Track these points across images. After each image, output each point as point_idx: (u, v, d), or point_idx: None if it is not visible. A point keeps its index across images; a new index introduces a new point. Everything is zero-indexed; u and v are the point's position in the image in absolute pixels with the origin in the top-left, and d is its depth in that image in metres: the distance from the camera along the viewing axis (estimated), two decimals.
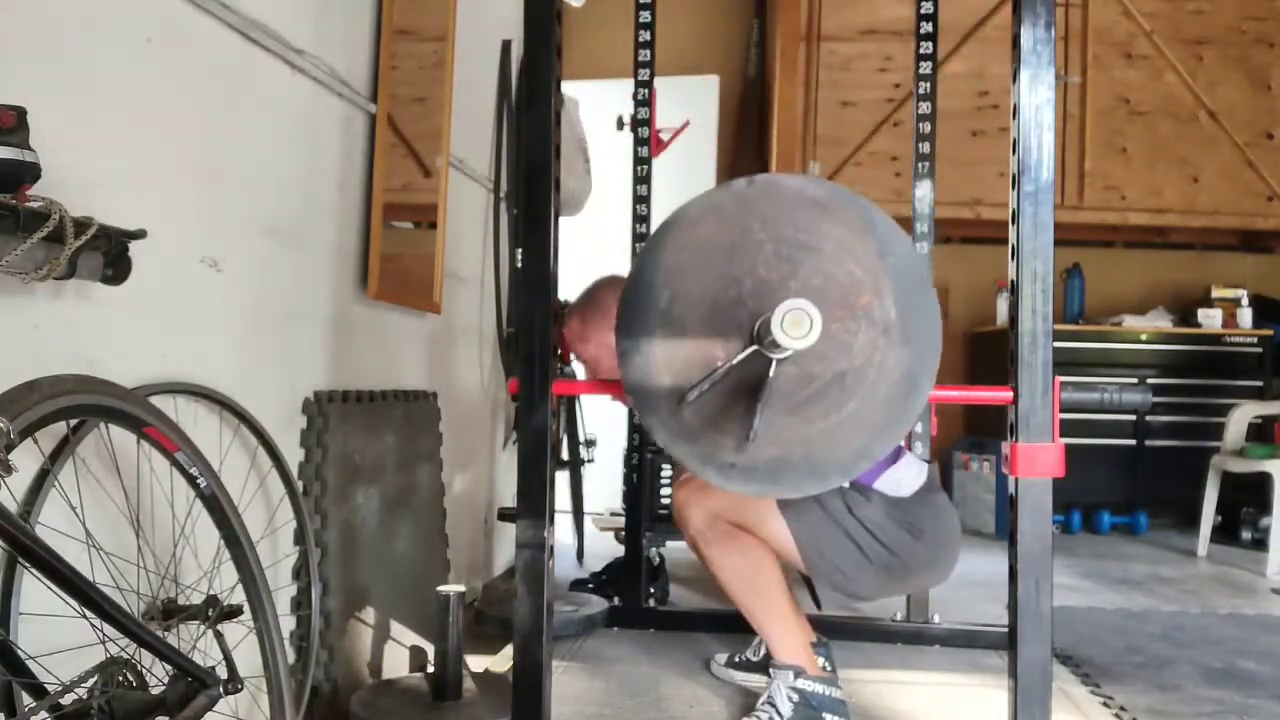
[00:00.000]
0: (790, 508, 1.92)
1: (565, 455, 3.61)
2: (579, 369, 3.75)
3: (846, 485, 1.94)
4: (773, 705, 1.91)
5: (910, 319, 1.27)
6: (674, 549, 3.70)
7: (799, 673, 1.92)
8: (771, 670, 1.97)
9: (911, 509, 1.96)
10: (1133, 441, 4.82)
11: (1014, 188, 1.38)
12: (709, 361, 1.27)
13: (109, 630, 1.13)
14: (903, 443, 2.06)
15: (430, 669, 2.05)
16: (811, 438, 1.28)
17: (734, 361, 1.23)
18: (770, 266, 1.26)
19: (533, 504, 1.47)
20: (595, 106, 3.80)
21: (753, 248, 1.28)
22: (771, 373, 1.21)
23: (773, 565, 1.97)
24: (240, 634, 1.44)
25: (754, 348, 1.23)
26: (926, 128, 2.62)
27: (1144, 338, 4.89)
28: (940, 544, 1.99)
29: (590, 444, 3.87)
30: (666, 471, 3.76)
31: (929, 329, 1.28)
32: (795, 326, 1.09)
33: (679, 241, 1.32)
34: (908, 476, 1.99)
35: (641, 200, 2.77)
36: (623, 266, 2.81)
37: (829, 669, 2.05)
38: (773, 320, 1.09)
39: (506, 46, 3.41)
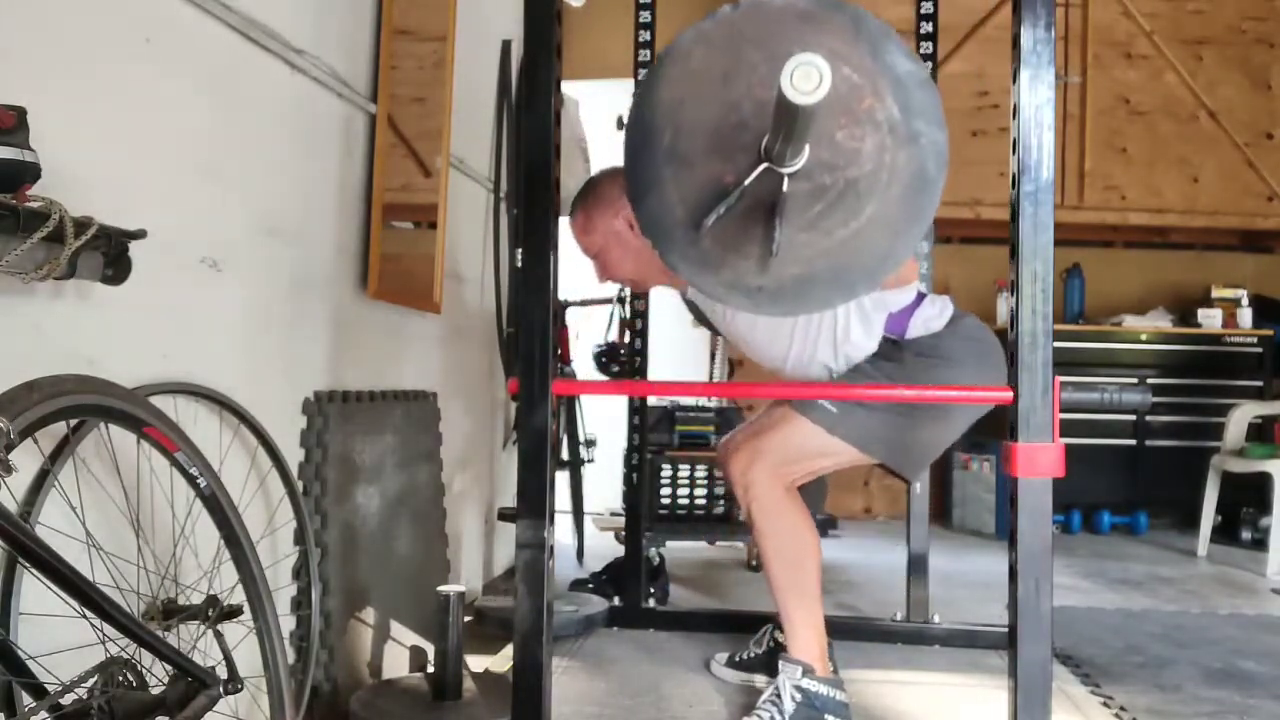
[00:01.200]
0: (834, 422, 1.91)
1: (565, 455, 3.61)
2: (579, 369, 3.77)
3: (875, 359, 1.97)
4: (776, 703, 1.91)
5: (913, 116, 1.27)
6: (674, 549, 3.70)
7: (807, 670, 1.92)
8: (780, 661, 1.96)
9: (944, 341, 1.97)
10: (1133, 441, 4.83)
11: (1014, 188, 1.38)
12: (721, 188, 1.26)
13: (109, 630, 1.13)
14: (922, 288, 2.07)
15: (430, 669, 2.06)
16: (833, 249, 1.28)
17: (747, 182, 1.23)
18: (766, 86, 1.25)
19: (533, 504, 1.47)
20: (595, 106, 3.80)
21: (747, 70, 1.28)
22: (785, 187, 1.21)
23: (817, 557, 1.97)
24: (240, 634, 1.44)
25: (764, 165, 1.22)
26: None
27: (1144, 338, 4.89)
28: (980, 361, 1.98)
29: (590, 444, 3.87)
30: (666, 471, 3.77)
31: (933, 122, 1.27)
32: (805, 80, 1.06)
33: (672, 77, 1.32)
34: (933, 312, 2.01)
35: None
36: None
37: (833, 670, 2.04)
38: (781, 80, 1.07)
39: (506, 46, 3.41)
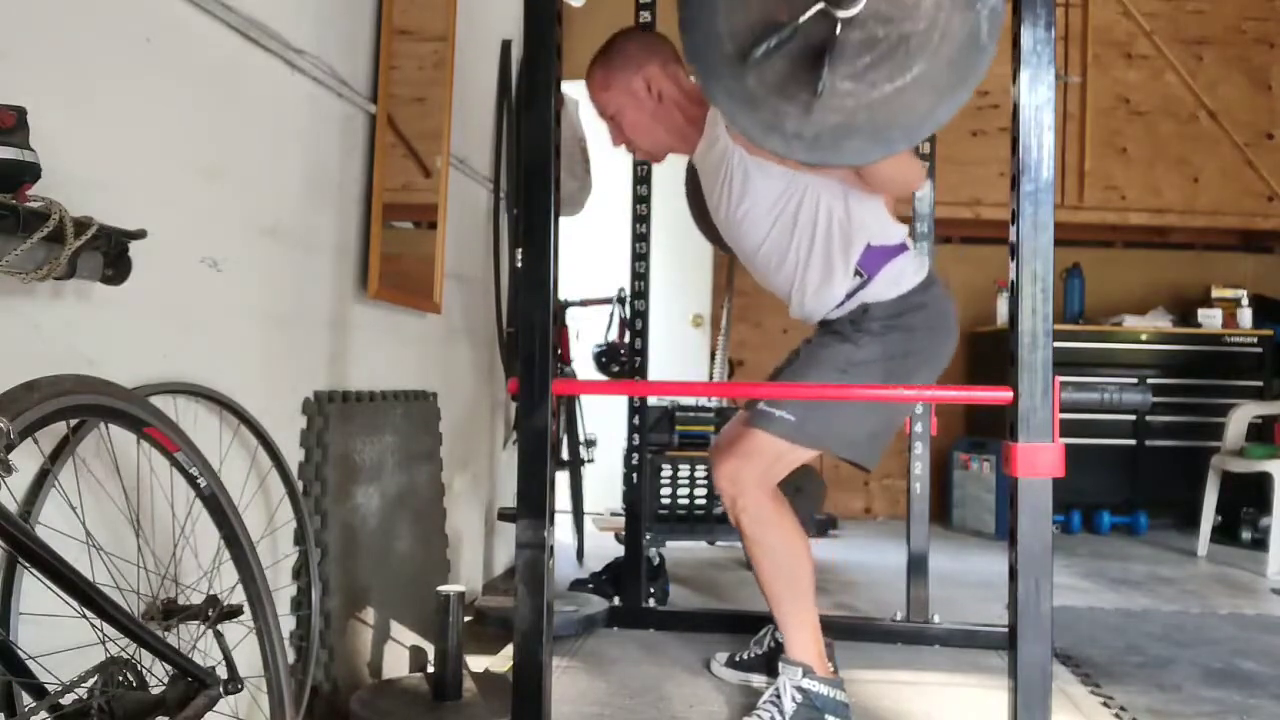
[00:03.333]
0: (794, 430, 1.92)
1: (565, 455, 3.61)
2: (579, 369, 3.77)
3: (836, 331, 1.97)
4: (776, 703, 1.91)
5: None
6: (674, 549, 3.71)
7: (807, 671, 1.92)
8: (780, 664, 1.96)
9: (904, 309, 1.97)
10: (1133, 441, 4.83)
11: (1014, 188, 1.38)
12: (773, 25, 1.26)
13: (109, 630, 1.13)
14: (909, 244, 2.06)
15: (430, 669, 2.05)
16: (876, 103, 1.28)
17: (802, 19, 1.23)
18: None
19: (533, 504, 1.47)
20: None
21: None
22: (838, 32, 1.21)
23: (808, 560, 1.98)
24: (240, 634, 1.44)
25: (821, 5, 1.22)
26: None
27: (1144, 338, 4.89)
28: (933, 330, 1.99)
29: (590, 444, 3.87)
30: (666, 471, 3.77)
31: None
32: None
33: None
34: (910, 268, 2.00)
35: (641, 200, 2.77)
36: (623, 266, 2.83)
37: (833, 670, 2.04)
38: None
39: (506, 46, 3.41)
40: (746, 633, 2.30)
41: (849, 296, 1.99)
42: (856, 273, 1.97)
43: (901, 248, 2.01)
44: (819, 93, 1.23)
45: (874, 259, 1.97)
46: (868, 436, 1.99)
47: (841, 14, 1.21)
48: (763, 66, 1.27)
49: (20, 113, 1.16)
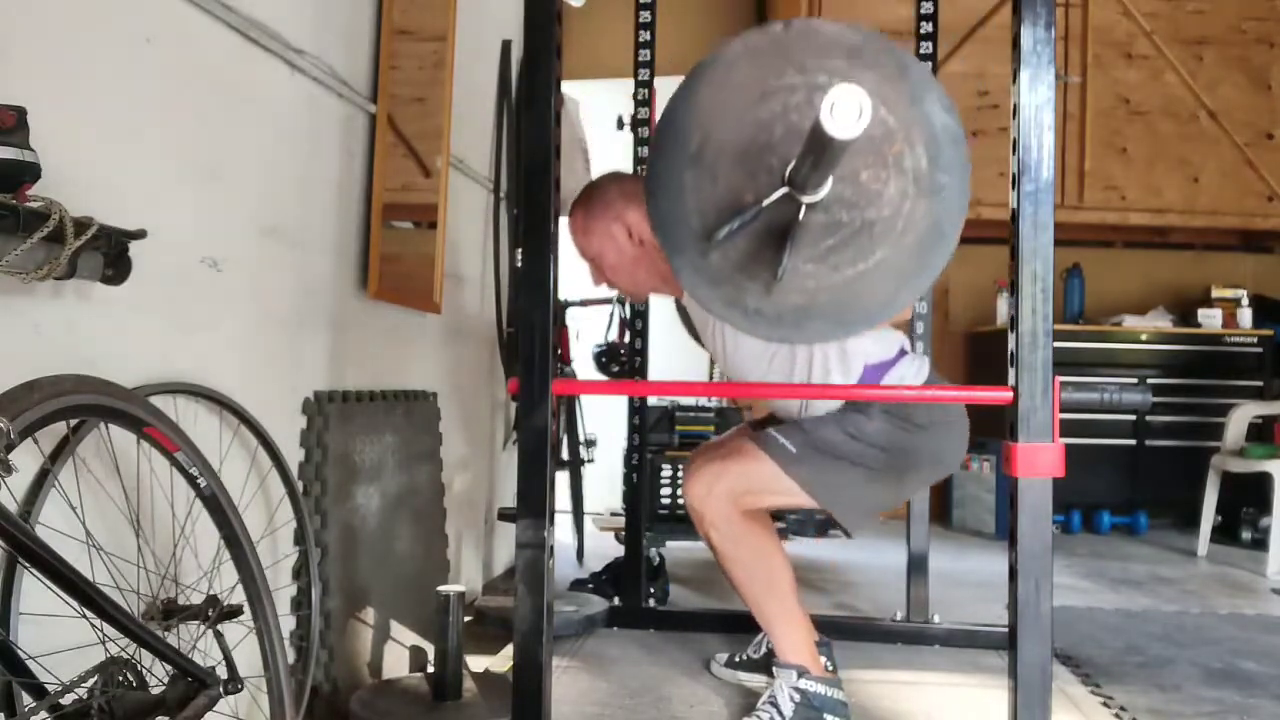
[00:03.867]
0: (790, 460, 1.91)
1: (565, 455, 3.61)
2: (579, 370, 3.77)
3: (845, 410, 1.96)
4: (774, 705, 1.91)
5: (940, 169, 1.27)
6: (674, 549, 3.70)
7: (802, 672, 1.92)
8: (775, 669, 1.97)
9: (914, 407, 1.95)
10: (1133, 441, 4.83)
11: (1014, 188, 1.38)
12: (739, 205, 1.26)
13: (109, 630, 1.13)
14: (905, 343, 2.06)
15: (430, 669, 2.06)
16: (838, 285, 1.28)
17: (766, 203, 1.22)
18: (803, 112, 1.25)
19: (533, 504, 1.47)
20: (595, 106, 3.80)
21: (785, 92, 1.28)
22: (801, 216, 1.21)
23: (784, 563, 1.97)
24: (240, 634, 1.44)
25: (785, 189, 1.22)
26: None
27: (1144, 338, 4.89)
28: (945, 431, 1.98)
29: (590, 444, 3.87)
30: (666, 471, 3.77)
31: (958, 178, 1.27)
32: (845, 113, 1.06)
33: (712, 83, 1.31)
34: (910, 373, 1.99)
35: None
36: None
37: (831, 669, 2.04)
38: (821, 108, 1.07)
39: (506, 46, 3.41)
40: (746, 633, 2.30)
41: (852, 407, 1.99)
42: (851, 406, 1.96)
43: (900, 354, 2.01)
44: (779, 277, 1.23)
45: (872, 375, 1.97)
46: (858, 500, 1.97)
47: (806, 199, 1.21)
48: (726, 244, 1.26)
49: (20, 113, 1.17)
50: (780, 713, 1.90)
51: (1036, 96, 1.35)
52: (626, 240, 2.01)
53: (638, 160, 2.78)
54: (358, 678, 2.13)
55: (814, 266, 1.27)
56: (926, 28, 2.62)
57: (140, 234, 1.34)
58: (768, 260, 1.26)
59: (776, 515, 3.10)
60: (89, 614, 1.10)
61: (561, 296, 3.46)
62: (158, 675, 1.22)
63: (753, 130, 1.28)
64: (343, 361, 2.23)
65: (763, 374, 2.01)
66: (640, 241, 2.00)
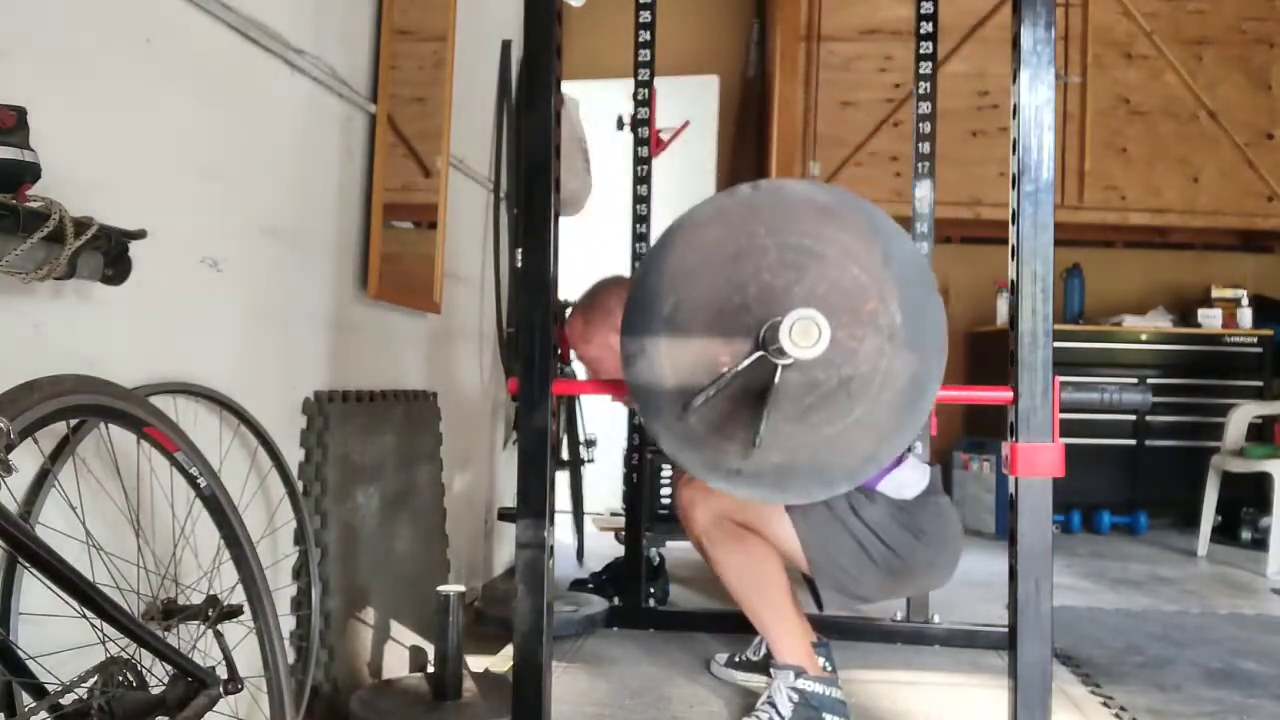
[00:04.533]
0: (795, 508, 1.92)
1: (565, 455, 3.61)
2: (579, 369, 3.76)
3: (851, 492, 1.94)
4: (773, 705, 1.91)
5: (915, 324, 1.27)
6: (674, 549, 3.70)
7: (800, 673, 1.92)
8: (772, 670, 1.97)
9: (914, 511, 1.96)
10: (1133, 441, 4.83)
11: (1014, 188, 1.38)
12: (714, 366, 1.27)
13: (109, 630, 1.13)
14: (908, 455, 2.06)
15: (430, 669, 2.06)
16: (818, 444, 1.28)
17: (740, 367, 1.23)
18: (775, 272, 1.27)
19: (533, 504, 1.47)
20: (595, 106, 3.80)
21: (758, 253, 1.28)
22: (777, 379, 1.21)
23: (777, 565, 1.97)
24: (240, 634, 1.44)
25: (759, 353, 1.23)
26: (926, 128, 2.62)
27: (1144, 338, 4.89)
28: (941, 545, 2.00)
29: (590, 444, 3.87)
30: (666, 471, 3.77)
31: (934, 333, 1.28)
32: (804, 336, 1.09)
33: (684, 245, 1.32)
34: (912, 479, 2.00)
35: (641, 200, 2.77)
36: (623, 266, 2.83)
37: (829, 669, 2.05)
38: (780, 329, 1.09)
39: (506, 46, 3.41)
40: (746, 633, 2.30)
41: None
42: (857, 489, 1.94)
43: (901, 456, 1.99)
44: (756, 444, 1.22)
45: (871, 477, 1.94)
46: (846, 576, 1.95)
47: (780, 362, 1.21)
48: (703, 407, 1.26)
49: (20, 113, 1.16)
50: (779, 712, 1.90)
51: (1036, 96, 1.35)
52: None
53: (638, 160, 2.78)
54: (358, 678, 2.13)
55: (793, 426, 1.27)
56: (926, 28, 2.62)
57: (140, 234, 1.34)
58: (745, 421, 1.26)
59: None
60: (89, 614, 1.09)
61: (561, 296, 3.46)
62: (158, 675, 1.22)
63: (726, 291, 1.28)
64: (343, 361, 2.23)
65: None
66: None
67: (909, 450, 2.06)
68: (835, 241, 1.27)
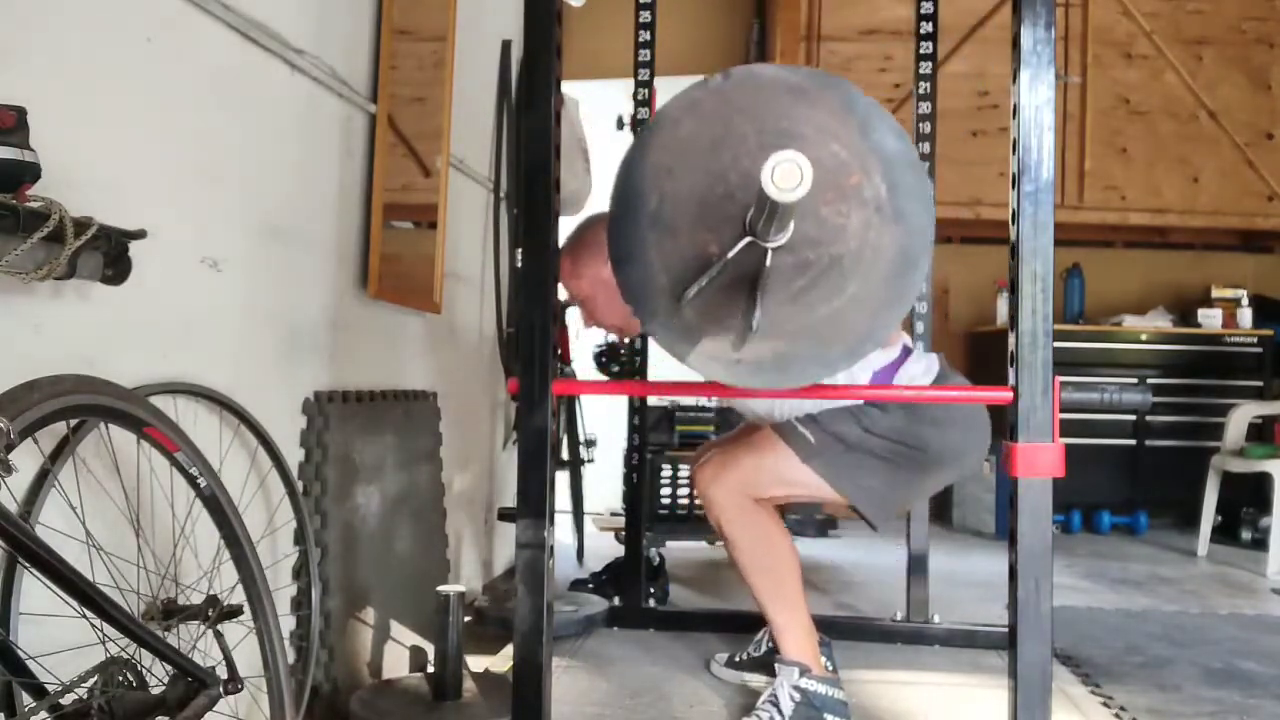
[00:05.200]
0: (810, 453, 1.91)
1: (565, 455, 3.61)
2: (579, 369, 3.77)
3: (860, 405, 1.95)
4: (774, 704, 1.91)
5: (900, 195, 1.26)
6: (674, 549, 3.70)
7: (804, 671, 1.92)
8: (776, 665, 1.96)
9: (929, 404, 1.96)
10: (1133, 441, 4.83)
11: (1014, 188, 1.38)
12: (705, 258, 1.26)
13: (109, 630, 1.13)
14: (908, 341, 2.05)
15: (430, 669, 2.06)
16: (814, 324, 1.28)
17: (730, 255, 1.22)
18: (755, 157, 1.23)
19: (533, 504, 1.47)
20: (595, 106, 3.80)
21: (735, 140, 1.27)
22: (768, 262, 1.21)
23: (792, 558, 1.97)
24: (240, 634, 1.44)
25: (748, 239, 1.21)
26: (926, 128, 2.62)
27: (1144, 338, 4.89)
28: (968, 425, 1.98)
29: (590, 444, 3.87)
30: (666, 471, 3.77)
31: (920, 203, 1.27)
32: (787, 178, 1.05)
33: (661, 143, 1.31)
34: (919, 370, 1.99)
35: None
36: None
37: (831, 669, 2.05)
38: (763, 175, 1.06)
39: (506, 46, 3.41)
40: (746, 633, 2.30)
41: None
42: (866, 402, 1.96)
43: (905, 354, 2.01)
44: (753, 328, 1.22)
45: (882, 379, 1.97)
46: (879, 491, 1.96)
47: (769, 245, 1.20)
48: (697, 299, 1.25)
49: (20, 113, 1.16)
50: (780, 711, 1.90)
51: (1036, 96, 1.35)
52: (614, 279, 2.02)
53: None
54: (358, 678, 2.13)
55: (788, 309, 1.27)
56: (926, 28, 2.62)
57: (140, 234, 1.34)
58: (741, 310, 1.25)
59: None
60: (89, 614, 1.10)
61: (561, 296, 3.46)
62: (158, 675, 1.22)
63: (708, 182, 1.27)
64: (343, 361, 2.23)
65: (770, 406, 2.02)
66: (623, 301, 2.02)
67: (912, 344, 2.04)
68: (811, 121, 1.25)
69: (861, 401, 1.96)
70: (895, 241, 1.26)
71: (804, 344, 1.29)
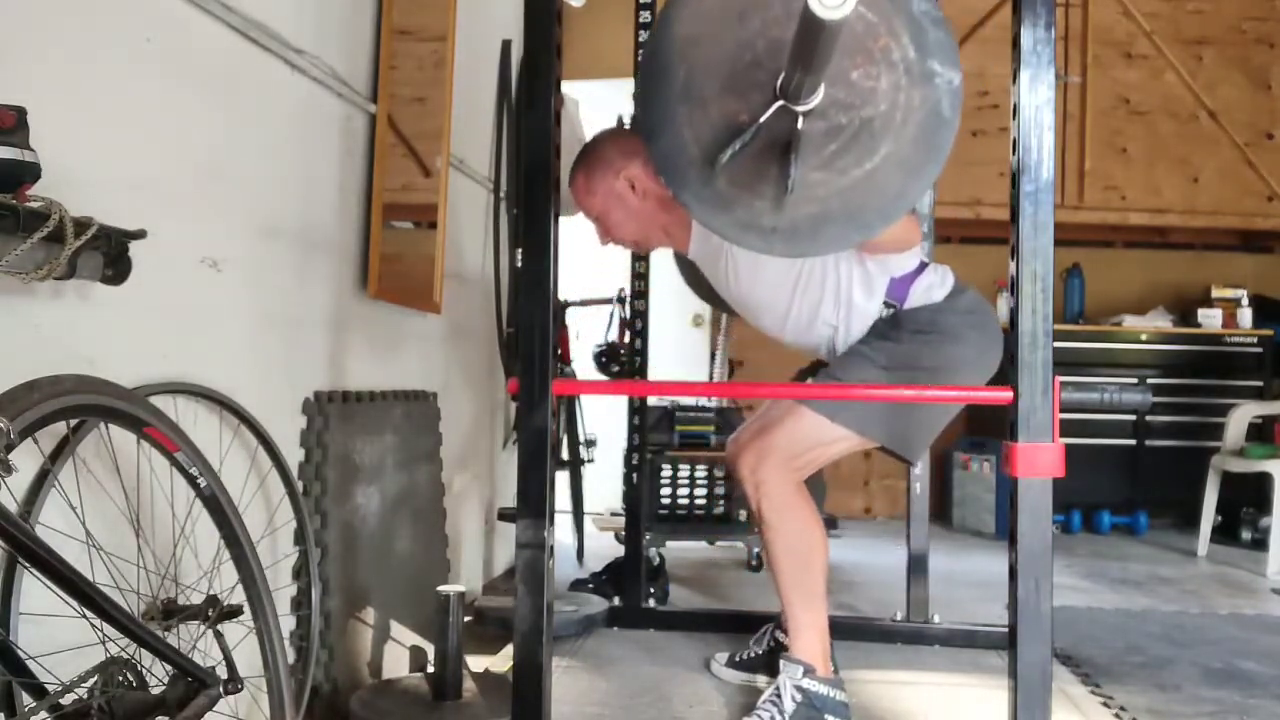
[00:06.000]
0: (835, 409, 1.91)
1: (565, 455, 3.61)
2: (578, 369, 3.77)
3: (875, 337, 1.96)
4: (776, 703, 1.91)
5: (928, 56, 1.27)
6: (674, 549, 3.70)
7: (808, 670, 1.92)
8: (782, 660, 1.96)
9: (943, 316, 1.96)
10: (1133, 441, 4.83)
11: (1014, 188, 1.38)
12: (735, 127, 1.27)
13: (109, 630, 1.13)
14: (924, 255, 2.05)
15: (430, 669, 2.06)
16: (847, 188, 1.29)
17: (762, 119, 1.23)
18: (782, 25, 1.26)
19: (533, 504, 1.47)
20: (595, 106, 3.80)
21: (761, 8, 1.29)
22: (800, 125, 1.22)
23: (825, 558, 1.98)
24: (240, 634, 1.44)
25: (780, 103, 1.22)
26: None
27: (1144, 338, 4.89)
28: (978, 334, 1.99)
29: (590, 444, 3.87)
30: (666, 471, 3.77)
31: (948, 62, 1.28)
32: None
33: (687, 16, 1.32)
34: (935, 280, 2.00)
35: None
36: (623, 266, 2.83)
37: (834, 670, 2.04)
38: None
39: (506, 46, 3.41)
40: (746, 633, 2.30)
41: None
42: (887, 304, 1.98)
43: (921, 267, 2.02)
44: (790, 189, 1.23)
45: (899, 288, 1.98)
46: (908, 428, 1.99)
47: (800, 108, 1.21)
48: (730, 168, 1.27)
49: (20, 113, 1.16)
50: (782, 711, 1.89)
51: (1036, 96, 1.35)
52: (630, 194, 2.04)
53: None
54: (358, 678, 2.13)
55: (821, 174, 1.28)
56: None
57: (140, 234, 1.34)
58: (774, 177, 1.27)
59: None
60: (89, 614, 1.09)
61: (561, 296, 3.46)
62: (158, 675, 1.22)
63: (736, 51, 1.29)
64: (343, 361, 2.23)
65: (787, 304, 2.02)
66: (644, 194, 2.04)
67: (927, 262, 2.04)
68: None
69: (872, 337, 1.97)
70: (925, 102, 1.27)
71: (838, 208, 1.30)
